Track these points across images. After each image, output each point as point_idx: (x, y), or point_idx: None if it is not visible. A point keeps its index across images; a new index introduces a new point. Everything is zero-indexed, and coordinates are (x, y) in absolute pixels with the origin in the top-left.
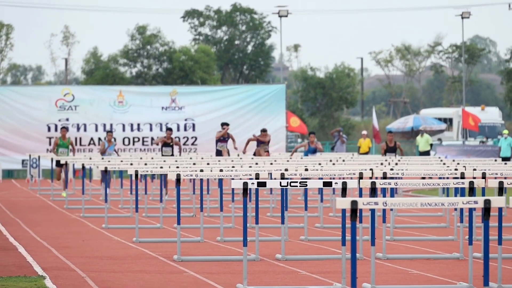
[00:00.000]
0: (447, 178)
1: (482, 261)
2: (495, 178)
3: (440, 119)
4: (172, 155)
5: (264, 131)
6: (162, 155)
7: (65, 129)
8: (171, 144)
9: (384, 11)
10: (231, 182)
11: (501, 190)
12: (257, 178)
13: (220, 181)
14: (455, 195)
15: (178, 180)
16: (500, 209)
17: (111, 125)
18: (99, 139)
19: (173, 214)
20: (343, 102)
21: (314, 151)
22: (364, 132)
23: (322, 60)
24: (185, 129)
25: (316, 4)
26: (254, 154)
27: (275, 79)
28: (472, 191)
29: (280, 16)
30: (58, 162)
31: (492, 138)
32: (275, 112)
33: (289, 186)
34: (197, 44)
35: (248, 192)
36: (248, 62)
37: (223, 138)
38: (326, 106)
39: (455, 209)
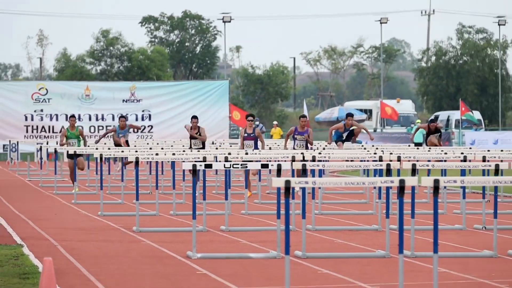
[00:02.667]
0: (367, 161)
1: (397, 232)
2: (409, 161)
3: (361, 110)
4: (203, 147)
5: (303, 116)
6: (190, 148)
7: (74, 117)
8: (252, 135)
9: (314, 17)
10: (182, 164)
11: (413, 171)
12: (204, 160)
13: (173, 163)
14: (374, 176)
15: (137, 162)
16: (412, 188)
17: (79, 115)
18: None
19: (132, 192)
20: (278, 95)
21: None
22: (275, 122)
23: (261, 60)
24: (142, 119)
25: (255, 11)
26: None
27: (220, 76)
28: (388, 172)
29: (224, 22)
30: (68, 154)
31: (406, 127)
32: (220, 104)
33: (231, 168)
34: (153, 46)
35: (197, 172)
36: (196, 61)
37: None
38: (264, 99)
39: (374, 188)
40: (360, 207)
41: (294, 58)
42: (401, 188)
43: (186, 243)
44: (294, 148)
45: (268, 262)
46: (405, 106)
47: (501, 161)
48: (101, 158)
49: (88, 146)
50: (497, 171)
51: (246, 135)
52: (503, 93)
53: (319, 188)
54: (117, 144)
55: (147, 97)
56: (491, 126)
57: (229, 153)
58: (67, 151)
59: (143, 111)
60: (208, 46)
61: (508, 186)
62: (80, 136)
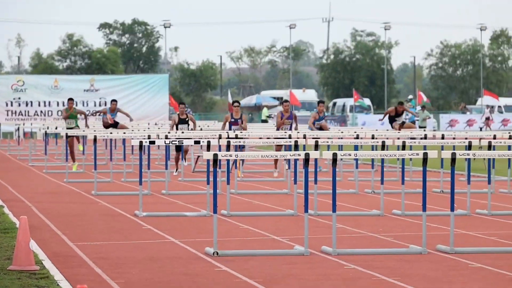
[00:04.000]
0: (280, 138)
1: (303, 195)
2: (313, 138)
3: (274, 98)
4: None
5: (286, 101)
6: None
7: (71, 100)
8: (187, 120)
9: (236, 23)
10: (131, 141)
11: (316, 147)
12: (149, 138)
13: (124, 140)
14: (285, 150)
15: (95, 139)
16: (315, 160)
17: (49, 102)
18: (41, 112)
19: (91, 163)
20: (208, 86)
21: (322, 118)
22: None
23: (194, 57)
24: (99, 105)
25: (190, 19)
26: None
27: (161, 71)
28: (296, 147)
29: (165, 27)
30: (67, 135)
31: (310, 111)
32: (161, 93)
33: (170, 144)
34: (108, 46)
35: (143, 147)
36: (143, 59)
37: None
38: (196, 89)
39: (285, 159)
40: (273, 175)
41: (221, 56)
42: (306, 160)
43: (134, 204)
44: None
45: (199, 219)
46: (309, 95)
47: (387, 138)
48: (67, 136)
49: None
50: (383, 147)
51: (233, 120)
52: (388, 84)
53: (242, 160)
54: (107, 126)
55: (103, 88)
56: (378, 110)
57: (169, 132)
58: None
59: (100, 98)
60: (152, 47)
61: (392, 158)
62: (79, 115)
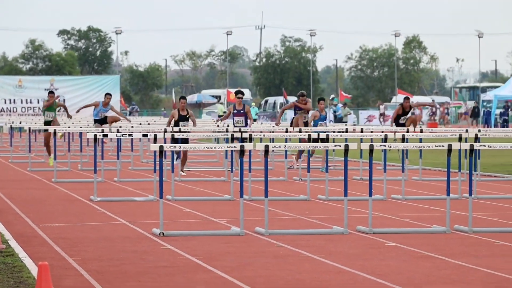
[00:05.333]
0: (218, 132)
1: (239, 182)
2: (247, 132)
3: (213, 96)
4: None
5: (302, 95)
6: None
7: (52, 93)
8: (188, 116)
9: (179, 30)
10: (87, 134)
11: (250, 139)
12: (102, 131)
13: (80, 133)
14: (225, 142)
15: (54, 133)
16: (250, 151)
17: (14, 100)
18: (7, 108)
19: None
20: (155, 86)
21: (324, 119)
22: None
23: (142, 60)
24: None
25: (139, 26)
26: (291, 125)
27: (113, 72)
28: (232, 140)
29: (117, 34)
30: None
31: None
32: (113, 92)
33: (121, 137)
34: (66, 51)
35: (97, 140)
36: (97, 62)
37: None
38: (144, 88)
39: (224, 151)
40: (213, 164)
41: (166, 59)
42: (242, 151)
43: (90, 190)
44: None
45: (147, 204)
46: (244, 93)
47: (312, 132)
48: (29, 130)
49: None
50: (309, 139)
51: (235, 111)
52: (313, 84)
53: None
54: (96, 121)
55: (62, 87)
56: None
57: (120, 126)
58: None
59: (58, 96)
60: (105, 51)
61: (318, 149)
62: (61, 107)
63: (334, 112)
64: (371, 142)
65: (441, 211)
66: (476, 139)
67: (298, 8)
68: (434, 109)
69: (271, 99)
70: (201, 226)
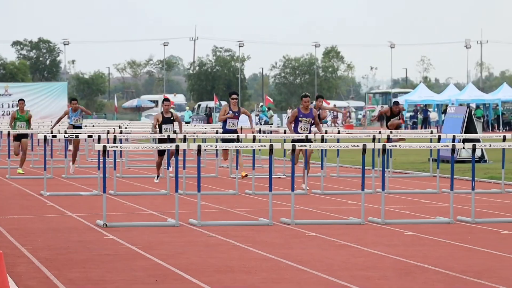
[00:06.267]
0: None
1: (174, 178)
2: (181, 133)
3: (151, 101)
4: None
5: (305, 96)
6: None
7: (22, 101)
8: (172, 119)
9: (121, 41)
10: (38, 135)
11: (185, 140)
12: (52, 133)
13: (32, 135)
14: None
15: (8, 134)
16: (184, 151)
17: None
18: None
19: (5, 153)
20: (98, 92)
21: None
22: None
23: (87, 68)
24: (13, 106)
25: (84, 38)
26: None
27: (61, 79)
28: (169, 140)
29: (65, 44)
30: (15, 136)
31: (181, 111)
32: (61, 97)
33: (68, 137)
34: (19, 60)
35: (47, 141)
36: (47, 70)
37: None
38: (89, 94)
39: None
40: (151, 162)
41: (109, 68)
42: (177, 151)
43: (40, 186)
44: (297, 132)
45: (92, 198)
46: (180, 98)
47: (241, 132)
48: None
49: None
50: (238, 139)
51: (231, 112)
52: (241, 90)
53: (125, 151)
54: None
55: (16, 93)
56: None
57: (68, 128)
58: (14, 135)
59: (13, 101)
60: (54, 60)
61: (246, 149)
62: (29, 120)
63: (260, 118)
64: (293, 142)
65: (357, 205)
66: (388, 139)
67: (228, 21)
68: (335, 113)
69: (203, 104)
70: (140, 218)
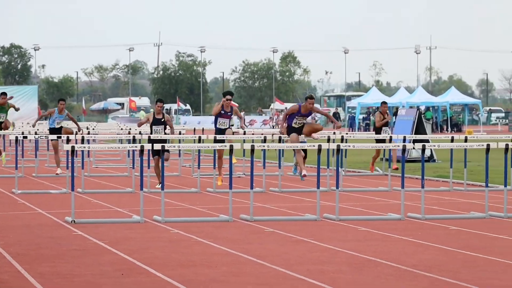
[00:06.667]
0: (119, 134)
1: (139, 177)
2: (146, 134)
3: (117, 103)
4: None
5: (311, 98)
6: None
7: (4, 94)
8: (163, 120)
9: (89, 46)
10: (9, 136)
11: (149, 140)
12: (23, 133)
13: (4, 136)
14: (128, 143)
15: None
16: (148, 151)
17: None
18: None
19: None
20: (67, 95)
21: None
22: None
23: (57, 73)
24: None
25: (54, 42)
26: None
27: (32, 83)
28: (134, 141)
29: (35, 50)
30: None
31: (146, 113)
32: (32, 100)
33: (39, 138)
34: None
35: (19, 141)
36: (18, 74)
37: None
38: (58, 97)
39: (126, 151)
40: (116, 162)
41: (77, 72)
42: (142, 151)
43: (11, 184)
44: (291, 125)
45: (61, 196)
46: (144, 101)
47: (203, 133)
48: None
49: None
50: (199, 140)
51: (223, 112)
52: (203, 93)
53: (92, 151)
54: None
55: None
56: (196, 113)
57: (38, 129)
58: None
59: (12, 97)
60: (25, 64)
61: (207, 149)
62: (12, 109)
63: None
64: (253, 142)
65: (312, 202)
66: (342, 140)
67: (190, 28)
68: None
69: (167, 106)
70: (107, 215)
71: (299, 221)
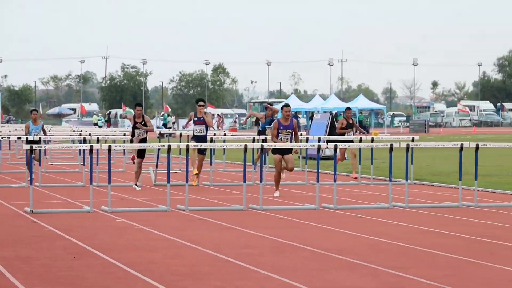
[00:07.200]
0: (72, 135)
1: (89, 172)
2: (95, 135)
3: (71, 109)
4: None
5: (287, 106)
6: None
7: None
8: (143, 123)
9: (45, 59)
10: None
11: (98, 141)
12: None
13: None
14: (80, 143)
15: None
16: (97, 149)
17: None
18: None
19: None
20: (27, 101)
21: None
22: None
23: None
24: None
25: (15, 55)
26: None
27: None
28: (85, 142)
29: None
30: None
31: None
32: None
33: (1, 139)
34: None
35: None
36: None
37: None
38: (19, 103)
39: (78, 150)
40: (69, 159)
41: (35, 81)
42: (91, 150)
43: None
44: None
45: (21, 189)
46: (93, 106)
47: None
48: None
49: None
50: (144, 140)
51: (196, 119)
52: (145, 99)
53: (49, 150)
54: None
55: None
56: None
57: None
58: None
59: None
60: None
61: (163, 149)
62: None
63: (163, 121)
64: (187, 143)
65: (239, 194)
66: (265, 140)
67: (134, 42)
68: (222, 119)
69: (113, 111)
70: (61, 206)
71: (228, 210)
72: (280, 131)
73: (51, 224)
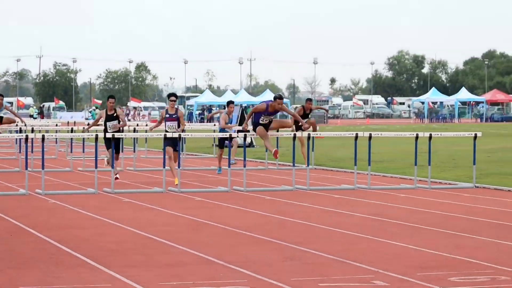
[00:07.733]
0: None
1: (24, 159)
2: (24, 126)
3: (8, 102)
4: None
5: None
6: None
7: (1, 96)
8: (115, 115)
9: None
10: None
11: (33, 131)
12: None
13: None
14: (16, 133)
15: None
16: (32, 139)
17: None
18: None
19: None
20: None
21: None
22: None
23: None
24: None
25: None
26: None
27: None
28: (21, 132)
29: None
30: None
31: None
32: None
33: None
34: None
35: None
36: None
37: None
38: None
39: (15, 139)
40: (7, 148)
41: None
42: (26, 139)
43: None
44: (259, 122)
45: (9, 174)
46: (29, 100)
47: (74, 125)
48: None
49: None
50: (72, 130)
51: (168, 115)
52: (75, 94)
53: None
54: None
55: None
56: (70, 109)
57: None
58: None
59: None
60: None
61: (78, 137)
62: (5, 110)
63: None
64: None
65: (160, 178)
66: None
67: (65, 42)
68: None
69: (46, 104)
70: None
71: (149, 193)
72: (263, 115)
73: None
